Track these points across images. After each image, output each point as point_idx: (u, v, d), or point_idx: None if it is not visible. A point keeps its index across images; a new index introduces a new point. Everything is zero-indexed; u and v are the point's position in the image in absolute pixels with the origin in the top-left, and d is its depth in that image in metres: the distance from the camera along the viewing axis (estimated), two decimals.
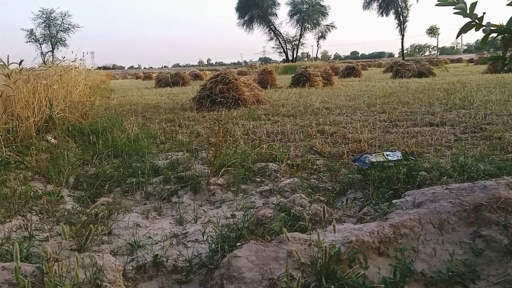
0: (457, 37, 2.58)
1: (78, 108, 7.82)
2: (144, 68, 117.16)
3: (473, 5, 2.26)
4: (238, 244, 2.05)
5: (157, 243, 2.47)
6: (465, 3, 2.29)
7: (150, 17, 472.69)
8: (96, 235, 2.55)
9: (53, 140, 5.02)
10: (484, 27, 2.28)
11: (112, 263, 1.77)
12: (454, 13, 2.31)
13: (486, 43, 2.31)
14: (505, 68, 2.48)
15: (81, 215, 2.81)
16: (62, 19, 53.04)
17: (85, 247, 2.20)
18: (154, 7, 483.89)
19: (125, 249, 2.38)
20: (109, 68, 74.78)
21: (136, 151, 4.55)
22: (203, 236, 2.45)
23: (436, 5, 2.36)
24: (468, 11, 2.27)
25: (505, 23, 2.28)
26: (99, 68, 32.91)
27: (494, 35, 2.32)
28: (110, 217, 2.87)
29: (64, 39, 53.91)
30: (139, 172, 3.60)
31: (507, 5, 2.27)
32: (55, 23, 52.92)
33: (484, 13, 2.26)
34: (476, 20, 2.29)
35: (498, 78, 13.15)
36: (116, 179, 3.57)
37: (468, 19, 2.31)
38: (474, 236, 2.02)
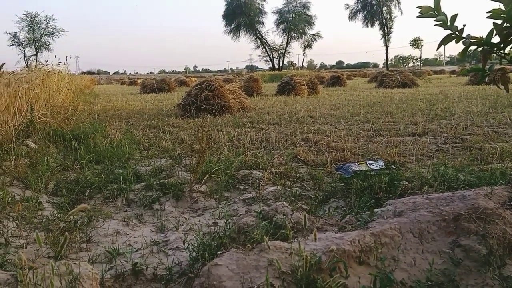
0: (437, 49, 2.62)
1: (60, 113, 7.68)
2: (130, 73, 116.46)
3: (454, 17, 2.30)
4: (219, 252, 2.03)
5: (137, 251, 2.43)
6: (445, 16, 2.33)
7: (137, 23, 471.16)
8: (75, 242, 2.50)
9: (33, 145, 4.92)
10: (464, 39, 2.32)
11: (89, 271, 1.73)
12: (435, 25, 2.35)
13: (465, 55, 2.36)
14: (485, 80, 2.53)
15: (59, 221, 2.75)
16: (47, 23, 52.59)
17: (60, 255, 2.15)
18: (142, 13, 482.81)
19: (104, 257, 2.33)
20: (93, 73, 73.99)
21: (119, 157, 4.49)
22: (184, 244, 2.42)
23: (417, 16, 2.40)
24: (448, 23, 2.32)
25: (484, 36, 2.33)
26: (83, 73, 32.57)
27: (474, 47, 2.37)
28: (89, 224, 2.81)
29: (48, 43, 53.46)
30: (121, 179, 3.55)
31: (487, 17, 2.31)
32: (39, 26, 52.44)
33: (464, 25, 2.30)
34: (457, 32, 2.33)
35: (479, 89, 13.42)
36: (97, 185, 3.51)
37: (448, 31, 2.35)
38: (453, 246, 2.03)
